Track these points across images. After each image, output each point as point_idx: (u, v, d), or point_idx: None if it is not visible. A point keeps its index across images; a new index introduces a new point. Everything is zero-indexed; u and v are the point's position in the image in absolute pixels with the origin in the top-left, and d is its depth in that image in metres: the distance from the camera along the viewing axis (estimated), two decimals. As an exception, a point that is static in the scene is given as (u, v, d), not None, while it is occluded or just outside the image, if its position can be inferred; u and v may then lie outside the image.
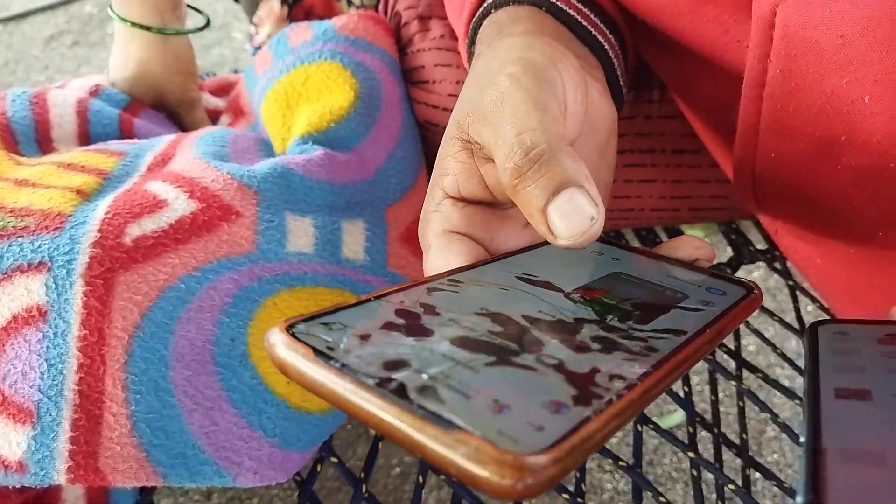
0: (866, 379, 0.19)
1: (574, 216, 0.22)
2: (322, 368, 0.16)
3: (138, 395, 0.34)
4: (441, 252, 0.26)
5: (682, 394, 0.46)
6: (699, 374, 0.84)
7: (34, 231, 0.35)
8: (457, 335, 0.18)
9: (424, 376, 0.16)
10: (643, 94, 0.47)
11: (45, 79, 1.73)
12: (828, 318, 0.31)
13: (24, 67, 1.81)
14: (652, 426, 0.42)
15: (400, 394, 0.15)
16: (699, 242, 0.29)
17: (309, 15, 0.78)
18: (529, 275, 0.25)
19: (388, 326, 0.18)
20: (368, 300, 0.20)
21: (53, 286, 0.34)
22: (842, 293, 0.41)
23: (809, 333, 0.23)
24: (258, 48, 0.77)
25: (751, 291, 0.25)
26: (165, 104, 0.54)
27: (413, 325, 0.19)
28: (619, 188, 0.49)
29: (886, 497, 0.13)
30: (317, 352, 0.17)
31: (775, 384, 0.45)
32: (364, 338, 0.18)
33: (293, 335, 0.17)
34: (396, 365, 0.16)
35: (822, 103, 0.29)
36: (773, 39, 0.28)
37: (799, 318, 0.53)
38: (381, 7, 0.56)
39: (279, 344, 0.17)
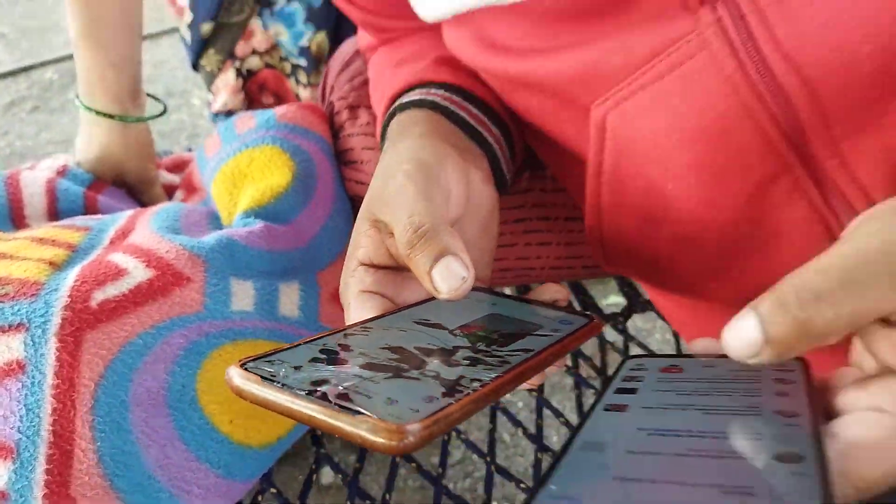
0: (633, 397, 0.27)
1: (450, 277, 0.30)
2: (268, 388, 0.24)
3: (103, 433, 0.40)
4: (357, 308, 0.34)
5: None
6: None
7: (13, 297, 0.42)
8: (364, 362, 0.26)
9: (340, 388, 0.23)
10: (538, 172, 0.57)
11: (5, 144, 1.78)
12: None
13: (-17, 133, 1.85)
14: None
15: (323, 399, 0.22)
16: (557, 287, 0.37)
17: (262, 88, 0.86)
18: (424, 319, 0.32)
19: (315, 360, 0.26)
20: (299, 344, 0.28)
21: (31, 343, 0.40)
22: (695, 334, 0.50)
23: (619, 365, 0.32)
24: (216, 114, 0.85)
25: (591, 321, 0.33)
26: (126, 182, 0.61)
27: (333, 357, 0.26)
28: (521, 250, 0.58)
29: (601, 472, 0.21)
30: (263, 379, 0.24)
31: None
32: (297, 368, 0.25)
33: (245, 369, 0.25)
34: (320, 382, 0.24)
35: (643, 188, 0.38)
36: (605, 139, 0.38)
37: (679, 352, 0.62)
38: (318, 93, 0.65)
39: (236, 376, 0.25)
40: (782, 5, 0.30)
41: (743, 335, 0.24)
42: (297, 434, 0.48)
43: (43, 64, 2.14)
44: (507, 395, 0.80)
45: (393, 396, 0.23)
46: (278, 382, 0.24)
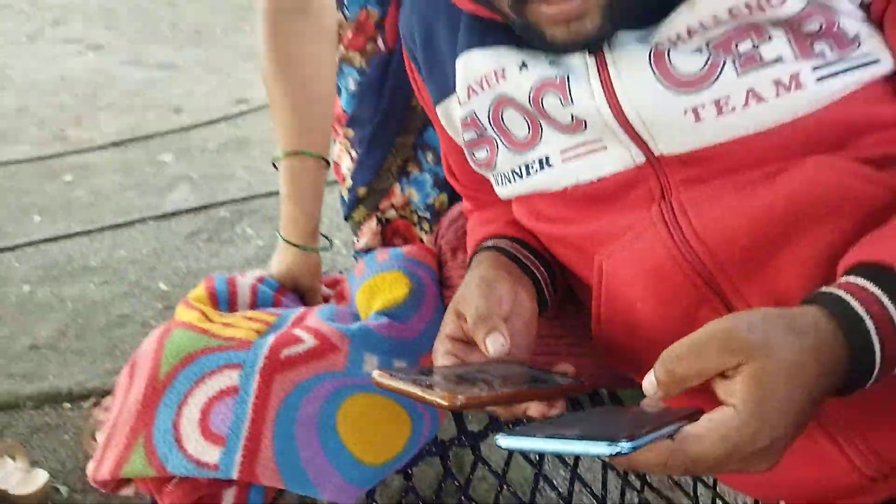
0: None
1: (495, 343, 0.53)
2: (392, 380, 0.47)
3: (278, 438, 0.64)
4: (441, 363, 0.57)
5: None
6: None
7: (236, 348, 0.68)
8: (440, 375, 0.49)
9: (427, 382, 0.47)
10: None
11: (184, 265, 2.22)
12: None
13: (168, 255, 2.31)
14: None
15: (422, 385, 0.46)
16: (567, 364, 0.58)
17: (395, 233, 1.15)
18: (481, 368, 0.55)
19: (420, 372, 0.50)
20: (410, 368, 0.52)
21: (244, 376, 0.66)
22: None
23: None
24: (357, 252, 1.14)
25: (581, 384, 0.55)
26: (299, 290, 0.89)
27: (426, 373, 0.50)
28: (565, 358, 0.79)
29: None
30: (391, 375, 0.48)
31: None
32: (407, 375, 0.49)
33: (381, 370, 0.49)
34: (419, 381, 0.47)
35: (624, 308, 0.60)
36: (602, 276, 0.60)
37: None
38: (433, 239, 0.93)
39: (377, 374, 0.48)
40: (696, 206, 0.53)
41: (648, 381, 0.45)
42: (402, 459, 0.69)
43: (218, 204, 2.65)
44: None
45: (456, 391, 0.46)
46: (400, 379, 0.47)
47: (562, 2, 0.48)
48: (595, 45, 0.54)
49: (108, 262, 2.31)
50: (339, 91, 1.07)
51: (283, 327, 0.75)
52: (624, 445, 0.37)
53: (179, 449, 0.63)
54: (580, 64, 0.55)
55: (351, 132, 1.07)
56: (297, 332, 0.71)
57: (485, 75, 0.60)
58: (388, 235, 1.12)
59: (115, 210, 2.65)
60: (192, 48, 4.71)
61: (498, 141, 0.63)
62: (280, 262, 0.89)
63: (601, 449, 0.38)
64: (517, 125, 0.61)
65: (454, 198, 1.06)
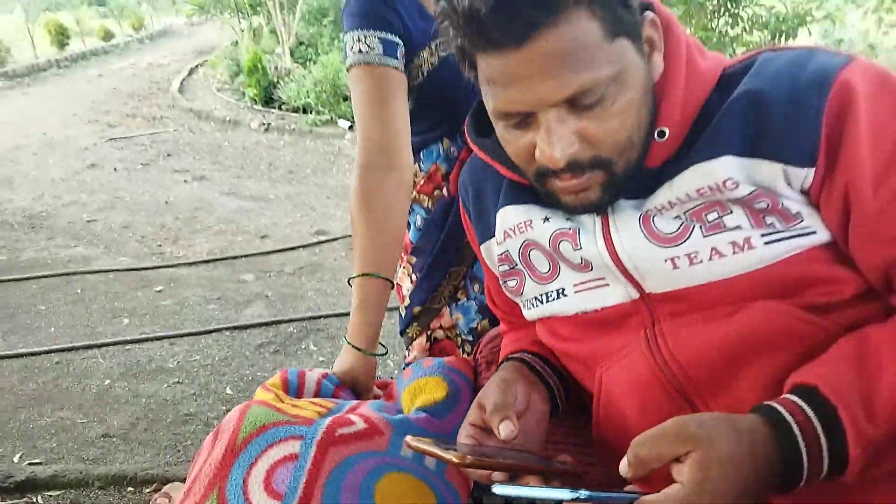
0: None
1: (506, 429, 0.67)
2: (422, 443, 0.62)
3: (326, 498, 0.77)
4: (462, 441, 0.71)
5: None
6: None
7: (300, 423, 0.84)
8: (464, 448, 0.63)
9: (445, 446, 0.61)
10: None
11: (250, 374, 2.41)
12: None
13: (237, 363, 2.52)
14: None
15: (442, 448, 0.60)
16: (566, 456, 0.71)
17: (441, 352, 1.31)
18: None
19: (443, 442, 0.64)
20: (436, 441, 0.66)
21: (304, 447, 0.80)
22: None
23: None
24: (407, 363, 1.30)
25: (577, 472, 0.67)
26: (356, 387, 1.04)
27: (450, 443, 0.64)
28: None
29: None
30: (420, 440, 0.62)
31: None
32: (434, 443, 0.63)
33: (414, 436, 0.63)
34: (441, 446, 0.61)
35: (619, 413, 0.73)
36: (601, 386, 0.74)
37: None
38: (474, 354, 1.08)
39: (409, 440, 0.63)
40: (673, 334, 0.68)
41: (622, 463, 0.58)
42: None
43: (287, 321, 2.88)
44: None
45: (463, 452, 0.60)
46: (424, 442, 0.62)
47: (571, 179, 0.66)
48: (601, 209, 0.71)
49: (184, 364, 2.52)
50: (408, 225, 1.28)
51: (340, 412, 0.90)
52: (583, 493, 0.51)
53: (245, 501, 0.77)
54: (589, 220, 0.73)
55: (414, 259, 1.27)
56: (351, 416, 0.86)
57: (517, 224, 0.79)
58: (435, 353, 1.28)
59: (197, 319, 2.92)
60: (283, 184, 5.24)
61: (526, 274, 0.80)
62: (343, 362, 1.06)
63: (565, 494, 0.51)
64: (540, 263, 0.78)
65: (494, 323, 1.22)
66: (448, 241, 1.21)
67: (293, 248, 3.82)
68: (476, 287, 1.26)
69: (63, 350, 2.65)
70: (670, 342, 0.68)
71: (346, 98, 6.74)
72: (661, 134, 0.67)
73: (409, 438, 0.62)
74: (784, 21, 4.87)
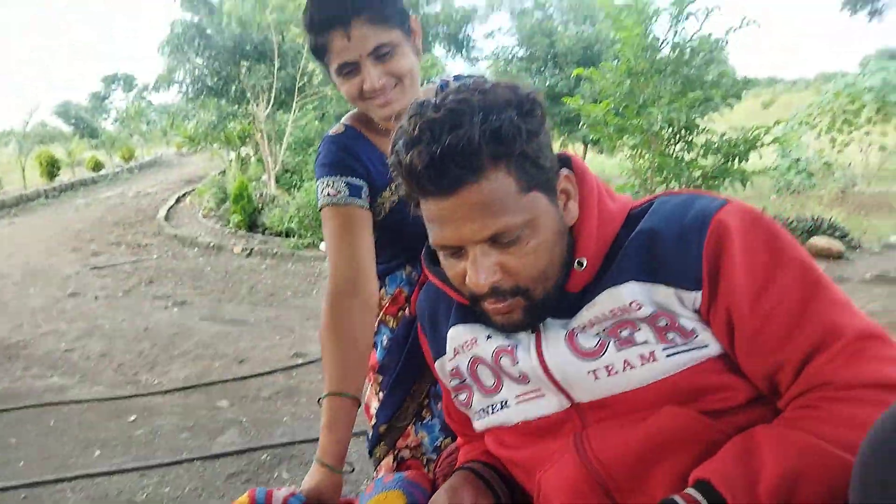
0: None
1: None
2: None
3: None
4: None
5: None
6: None
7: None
8: None
9: None
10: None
11: None
12: None
13: (207, 494, 2.47)
14: None
15: None
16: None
17: (406, 469, 1.34)
18: None
19: None
20: None
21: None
22: None
23: None
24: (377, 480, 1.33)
25: None
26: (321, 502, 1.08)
27: None
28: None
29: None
30: None
31: None
32: None
33: None
34: None
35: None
36: (540, 488, 0.80)
37: None
38: (432, 470, 1.12)
39: None
40: (598, 437, 0.75)
41: None
42: None
43: (261, 448, 2.85)
44: None
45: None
46: None
47: (496, 303, 0.77)
48: (534, 326, 0.81)
49: (153, 497, 2.47)
50: (375, 345, 1.36)
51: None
52: None
53: None
54: (525, 337, 0.82)
55: (380, 377, 1.34)
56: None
57: (465, 342, 0.88)
58: (401, 470, 1.32)
59: (169, 448, 2.88)
60: (263, 307, 5.32)
61: (474, 387, 0.88)
62: (311, 478, 1.09)
63: None
64: (486, 377, 0.86)
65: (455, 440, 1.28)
66: (410, 358, 1.29)
67: (270, 373, 3.82)
68: (439, 405, 1.32)
69: (31, 485, 2.59)
70: (595, 444, 0.75)
71: (326, 224, 6.96)
72: (580, 264, 0.78)
73: None
74: (735, 146, 5.26)
